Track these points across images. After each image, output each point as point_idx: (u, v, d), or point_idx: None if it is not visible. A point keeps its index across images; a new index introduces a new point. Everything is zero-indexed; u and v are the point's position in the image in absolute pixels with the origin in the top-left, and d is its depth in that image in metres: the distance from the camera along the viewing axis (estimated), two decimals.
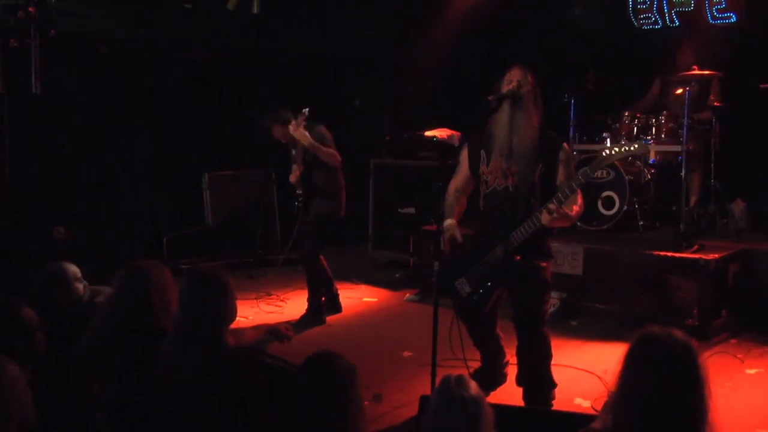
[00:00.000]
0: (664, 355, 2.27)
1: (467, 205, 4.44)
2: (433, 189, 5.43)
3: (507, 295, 4.23)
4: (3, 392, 2.44)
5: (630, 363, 2.32)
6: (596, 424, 2.37)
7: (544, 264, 4.09)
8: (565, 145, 4.15)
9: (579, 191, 3.95)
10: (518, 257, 4.01)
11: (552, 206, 3.82)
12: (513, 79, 4.10)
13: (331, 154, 5.97)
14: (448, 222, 4.29)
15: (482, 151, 4.18)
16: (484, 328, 4.36)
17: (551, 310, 4.79)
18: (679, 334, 2.33)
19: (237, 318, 3.25)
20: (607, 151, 3.93)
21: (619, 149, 3.92)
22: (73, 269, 3.76)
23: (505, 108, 4.07)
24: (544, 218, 3.85)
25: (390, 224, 8.02)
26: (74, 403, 3.11)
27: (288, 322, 5.05)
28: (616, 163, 6.07)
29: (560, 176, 4.05)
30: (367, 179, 8.23)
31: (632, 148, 3.92)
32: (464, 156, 4.33)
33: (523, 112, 4.05)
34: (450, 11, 9.07)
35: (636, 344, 2.35)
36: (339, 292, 6.45)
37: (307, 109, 5.87)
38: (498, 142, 4.10)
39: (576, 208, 3.97)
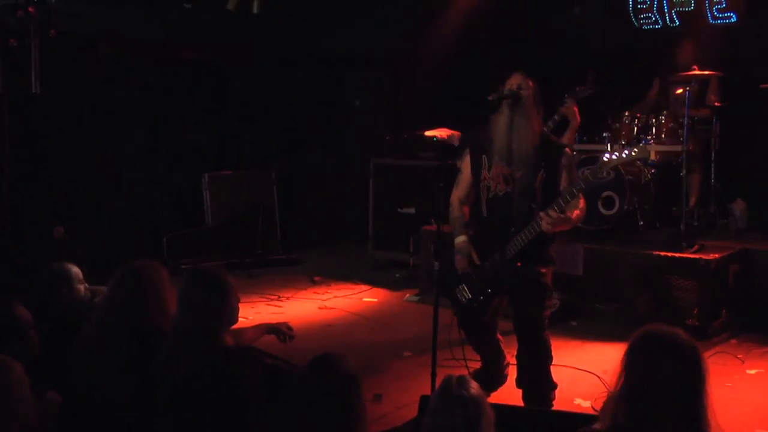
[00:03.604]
0: (670, 352, 2.26)
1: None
2: (433, 189, 5.43)
3: (508, 301, 4.22)
4: (9, 393, 2.44)
5: (633, 361, 2.32)
6: (597, 426, 2.36)
7: (544, 270, 4.07)
8: (567, 149, 4.14)
9: (581, 195, 3.95)
10: (519, 263, 4.00)
11: (552, 212, 3.81)
12: (513, 83, 4.09)
13: None
14: (461, 240, 4.22)
15: (484, 157, 4.16)
16: (484, 335, 4.35)
17: (551, 310, 4.78)
18: (681, 331, 2.33)
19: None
20: (608, 156, 3.90)
21: (620, 153, 3.89)
22: (76, 270, 3.78)
23: (505, 111, 4.06)
24: (544, 225, 3.84)
25: (390, 224, 8.02)
26: (74, 403, 3.11)
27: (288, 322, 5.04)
28: None
29: (563, 182, 4.02)
30: (367, 179, 8.23)
31: (633, 153, 3.89)
32: (466, 162, 4.28)
33: (522, 115, 4.03)
34: (451, 11, 9.07)
35: (639, 342, 2.34)
36: (338, 293, 6.43)
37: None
38: (498, 147, 4.08)
39: (577, 212, 3.95)
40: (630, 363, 2.31)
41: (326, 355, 2.61)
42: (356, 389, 2.53)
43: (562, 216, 3.84)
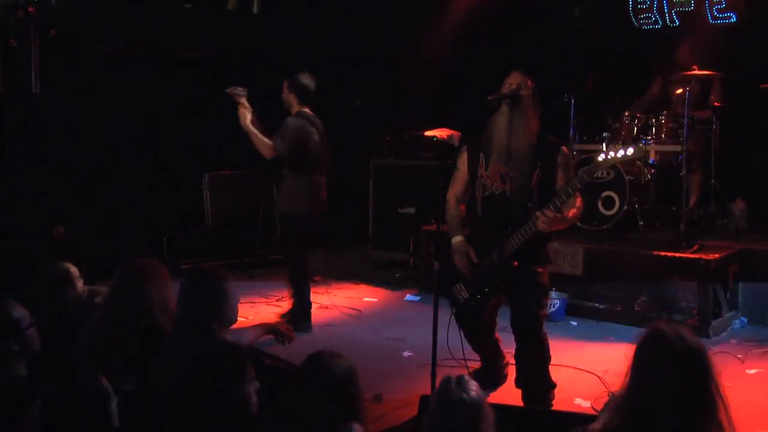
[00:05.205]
0: (673, 354, 2.26)
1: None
2: (433, 189, 5.43)
3: (505, 300, 4.23)
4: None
5: (637, 360, 2.31)
6: (596, 425, 2.36)
7: (541, 269, 4.09)
8: (563, 148, 4.15)
9: (578, 194, 3.95)
10: (516, 263, 4.00)
11: (548, 212, 3.82)
12: (513, 83, 4.10)
13: (261, 144, 5.77)
14: (458, 240, 4.23)
15: (481, 154, 4.17)
16: (482, 334, 4.36)
17: (550, 310, 4.81)
18: (687, 332, 2.32)
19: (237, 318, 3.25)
20: (604, 155, 3.90)
21: (615, 153, 3.89)
22: (74, 269, 3.78)
23: (504, 110, 4.07)
24: (541, 224, 3.84)
25: (390, 224, 8.02)
26: (74, 402, 3.10)
27: (287, 321, 5.04)
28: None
29: (559, 180, 4.04)
30: (367, 179, 8.23)
31: (629, 153, 3.89)
32: (463, 159, 4.30)
33: (521, 115, 4.04)
34: (451, 11, 9.07)
35: (643, 342, 2.34)
36: (338, 293, 6.42)
37: (240, 88, 5.84)
38: (496, 146, 4.10)
39: (574, 210, 3.96)
40: (634, 362, 2.31)
41: (318, 354, 2.61)
42: (350, 387, 2.53)
43: (558, 215, 3.85)
